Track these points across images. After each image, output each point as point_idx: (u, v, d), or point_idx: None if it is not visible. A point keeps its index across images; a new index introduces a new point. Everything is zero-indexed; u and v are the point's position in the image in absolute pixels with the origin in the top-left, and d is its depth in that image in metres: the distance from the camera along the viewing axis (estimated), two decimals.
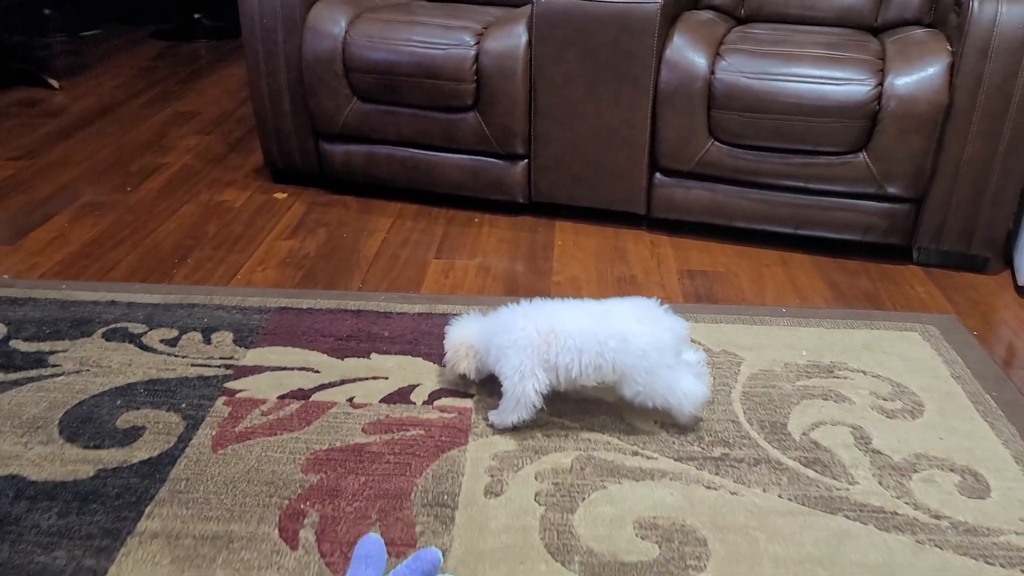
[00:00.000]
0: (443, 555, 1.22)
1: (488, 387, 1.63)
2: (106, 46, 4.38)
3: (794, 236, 2.26)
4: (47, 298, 1.93)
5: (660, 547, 1.28)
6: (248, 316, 1.87)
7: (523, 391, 1.47)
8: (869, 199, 2.14)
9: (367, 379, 1.67)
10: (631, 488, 1.40)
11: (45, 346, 1.74)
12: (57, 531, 1.27)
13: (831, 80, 2.04)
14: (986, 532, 1.32)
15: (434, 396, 1.62)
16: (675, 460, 1.47)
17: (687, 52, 2.14)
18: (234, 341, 1.78)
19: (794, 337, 1.85)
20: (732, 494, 1.39)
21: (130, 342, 1.77)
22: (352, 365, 1.72)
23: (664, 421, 1.56)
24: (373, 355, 1.75)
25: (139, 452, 1.45)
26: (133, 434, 1.49)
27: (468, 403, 1.61)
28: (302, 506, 1.34)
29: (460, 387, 1.65)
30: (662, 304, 1.54)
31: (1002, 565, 1.26)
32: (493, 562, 1.24)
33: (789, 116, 2.07)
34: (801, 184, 2.16)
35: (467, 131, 2.36)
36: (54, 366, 1.68)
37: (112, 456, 1.43)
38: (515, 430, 1.53)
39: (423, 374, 1.68)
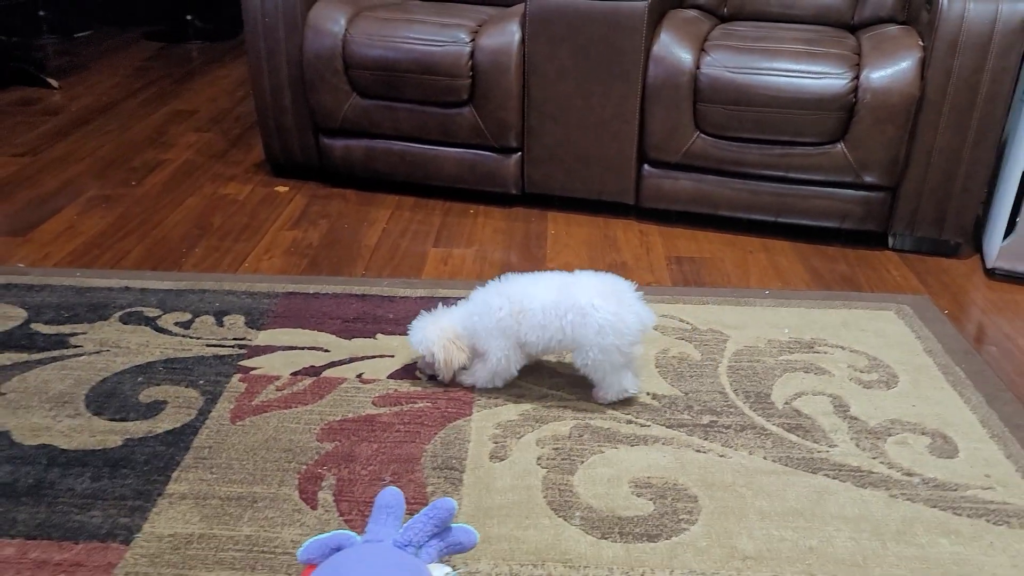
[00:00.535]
0: None
1: None
2: (100, 47, 4.43)
3: (776, 224, 2.38)
4: (63, 285, 2.01)
5: (654, 503, 1.38)
6: (258, 300, 1.96)
7: (506, 368, 1.60)
8: (846, 187, 2.26)
9: (374, 357, 1.76)
10: (626, 452, 1.50)
11: (65, 329, 1.82)
12: (91, 493, 1.35)
13: (809, 74, 2.15)
14: (954, 487, 1.43)
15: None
16: (667, 427, 1.57)
17: (673, 48, 2.25)
18: (246, 323, 1.86)
19: (777, 317, 1.96)
20: (720, 456, 1.50)
21: (146, 325, 1.85)
22: (359, 345, 1.81)
23: (655, 393, 1.66)
24: (379, 335, 1.84)
25: (163, 423, 1.53)
26: (156, 407, 1.57)
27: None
28: (319, 470, 1.43)
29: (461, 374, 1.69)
30: (637, 289, 1.60)
31: (968, 516, 1.37)
32: (500, 517, 1.34)
33: (770, 108, 2.18)
34: (782, 173, 2.28)
35: (463, 125, 2.45)
36: (75, 347, 1.75)
37: (138, 427, 1.52)
38: (515, 403, 1.62)
39: None
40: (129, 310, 1.90)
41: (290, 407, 1.59)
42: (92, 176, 2.72)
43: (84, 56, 4.23)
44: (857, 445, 1.53)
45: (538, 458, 1.48)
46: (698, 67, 2.23)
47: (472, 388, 1.65)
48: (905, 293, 2.10)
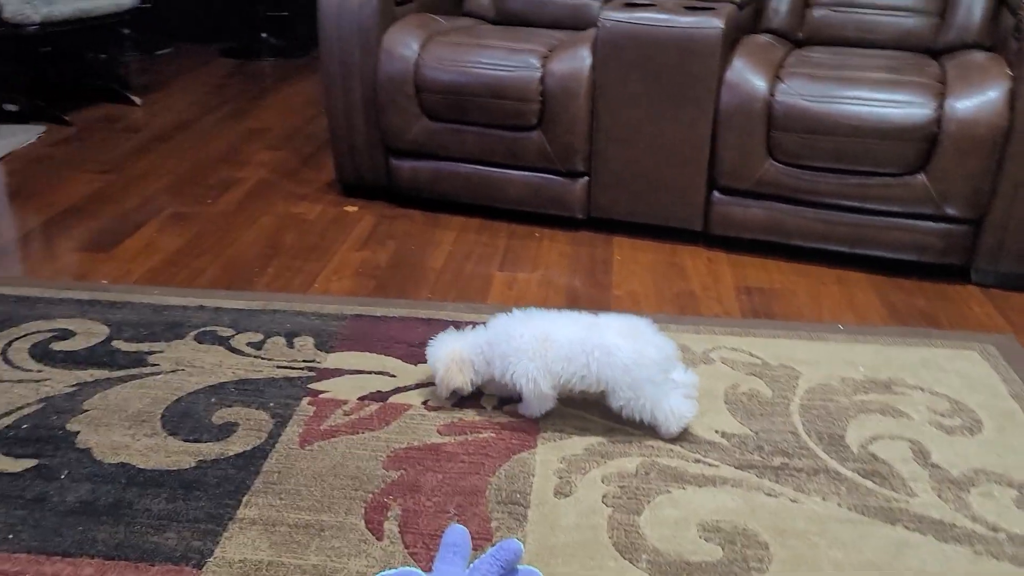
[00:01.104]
0: None
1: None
2: (179, 64, 4.59)
3: (851, 255, 2.31)
4: (142, 302, 2.07)
5: (723, 549, 1.35)
6: (326, 322, 1.99)
7: (540, 391, 1.59)
8: (926, 219, 2.18)
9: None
10: (694, 493, 1.47)
11: (144, 346, 1.87)
12: (167, 515, 1.38)
13: (890, 103, 2.09)
14: None
15: (504, 401, 1.71)
16: (736, 468, 1.53)
17: (747, 75, 2.21)
18: (315, 345, 1.89)
19: (851, 353, 1.90)
20: (792, 501, 1.45)
21: (219, 344, 1.89)
22: (425, 370, 1.81)
23: (724, 431, 1.63)
24: None
25: (234, 446, 1.56)
26: (227, 429, 1.60)
27: None
28: (385, 500, 1.44)
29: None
30: (654, 323, 1.62)
31: None
32: (565, 557, 1.33)
33: (848, 138, 2.13)
34: (858, 204, 2.21)
35: (530, 149, 2.46)
36: (153, 365, 1.81)
37: (210, 449, 1.55)
38: (581, 436, 1.61)
39: None
40: (204, 329, 1.95)
41: (357, 432, 1.61)
42: (171, 194, 2.81)
43: (164, 73, 4.39)
44: (939, 496, 1.47)
45: (603, 496, 1.46)
46: (772, 94, 2.19)
47: (523, 415, 1.67)
48: (989, 332, 2.01)
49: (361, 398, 1.71)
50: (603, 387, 1.58)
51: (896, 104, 2.09)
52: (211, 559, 1.30)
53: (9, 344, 1.88)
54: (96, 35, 3.78)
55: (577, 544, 1.35)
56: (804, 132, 2.16)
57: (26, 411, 1.65)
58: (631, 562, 1.32)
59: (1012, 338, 1.97)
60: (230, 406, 1.68)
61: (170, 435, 1.59)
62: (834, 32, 2.57)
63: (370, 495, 1.45)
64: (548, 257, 2.40)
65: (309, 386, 1.75)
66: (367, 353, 1.87)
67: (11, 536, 1.34)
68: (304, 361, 1.83)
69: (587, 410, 1.67)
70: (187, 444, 1.56)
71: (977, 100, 2.03)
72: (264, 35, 4.84)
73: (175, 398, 1.70)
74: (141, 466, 1.50)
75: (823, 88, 2.16)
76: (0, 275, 2.24)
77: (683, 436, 1.61)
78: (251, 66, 4.56)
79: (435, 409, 1.68)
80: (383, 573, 1.08)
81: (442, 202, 2.67)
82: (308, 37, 4.93)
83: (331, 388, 1.75)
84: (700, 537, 1.37)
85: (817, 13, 2.59)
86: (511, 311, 1.67)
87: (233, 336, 1.93)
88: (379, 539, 1.35)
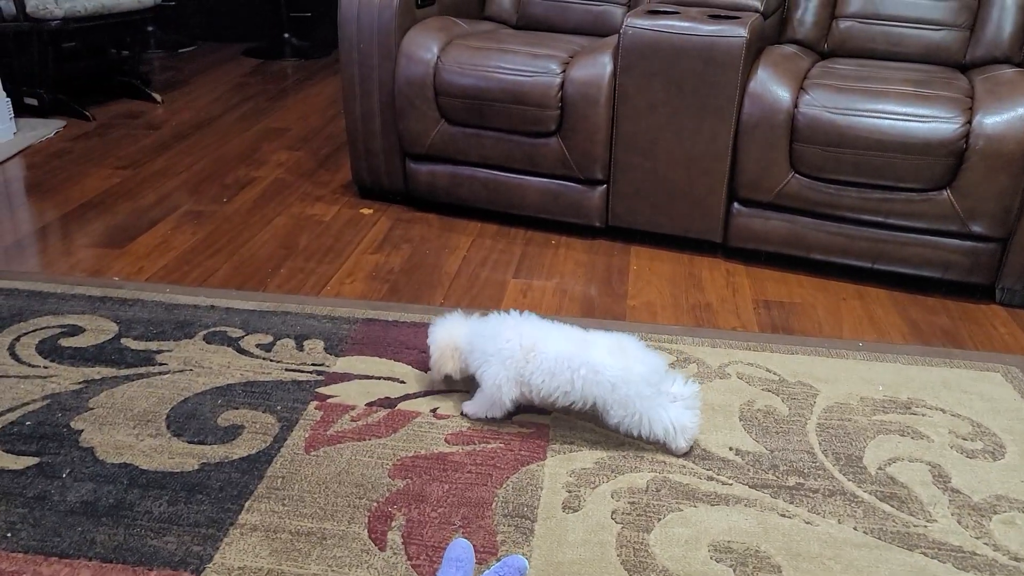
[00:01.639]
0: None
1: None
2: (201, 62, 4.61)
3: (872, 270, 2.26)
4: (153, 300, 2.06)
5: (735, 571, 1.31)
6: (337, 326, 1.97)
7: (498, 398, 1.59)
8: (951, 236, 2.13)
9: (449, 392, 1.74)
10: (706, 512, 1.43)
11: (152, 345, 1.86)
12: (168, 518, 1.37)
13: (917, 117, 2.05)
14: None
15: (513, 412, 1.68)
16: (750, 487, 1.49)
17: (771, 85, 2.18)
18: (325, 349, 1.87)
19: (871, 372, 1.86)
20: (806, 523, 1.41)
21: (228, 345, 1.87)
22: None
23: (738, 448, 1.59)
24: None
25: (238, 449, 1.54)
26: (233, 432, 1.59)
27: (546, 420, 1.66)
28: (390, 509, 1.41)
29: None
30: (641, 339, 1.60)
31: None
32: (572, 574, 1.29)
33: (872, 152, 2.08)
34: (881, 219, 2.17)
35: (549, 155, 2.43)
36: (161, 364, 1.79)
37: (215, 452, 1.53)
38: (591, 450, 1.58)
39: None
40: (213, 329, 1.94)
41: (364, 439, 1.58)
42: (187, 191, 2.80)
43: (187, 71, 4.40)
44: (959, 522, 1.42)
45: (613, 512, 1.42)
46: (796, 106, 2.15)
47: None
48: (1013, 353, 1.96)
49: (369, 404, 1.69)
50: (591, 405, 1.57)
51: (923, 118, 2.04)
52: (210, 565, 1.28)
53: (17, 339, 1.87)
54: (119, 31, 3.79)
55: (584, 561, 1.32)
56: (827, 145, 2.12)
57: (31, 407, 1.64)
58: None
59: None
60: (237, 408, 1.66)
61: (175, 436, 1.57)
62: (860, 44, 2.53)
63: (374, 504, 1.42)
64: (564, 265, 2.36)
65: (317, 390, 1.73)
66: (377, 358, 1.85)
67: (10, 535, 1.32)
68: (313, 364, 1.81)
69: (598, 423, 1.64)
70: (191, 446, 1.54)
71: (1007, 116, 1.98)
72: (287, 35, 4.85)
73: (182, 399, 1.68)
74: (144, 467, 1.48)
75: (848, 100, 2.11)
76: (13, 269, 2.24)
77: (695, 453, 1.58)
78: (273, 66, 4.57)
79: (444, 417, 1.66)
80: None
81: (458, 207, 2.65)
82: (330, 38, 4.94)
83: (339, 393, 1.72)
84: (711, 558, 1.33)
85: (843, 24, 2.55)
86: (511, 312, 1.66)
87: (243, 337, 1.91)
88: (382, 549, 1.33)
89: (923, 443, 1.62)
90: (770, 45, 2.42)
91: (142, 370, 1.77)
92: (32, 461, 1.49)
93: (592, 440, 1.60)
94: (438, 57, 2.44)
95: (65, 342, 1.86)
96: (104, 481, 1.45)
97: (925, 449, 1.61)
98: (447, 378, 1.71)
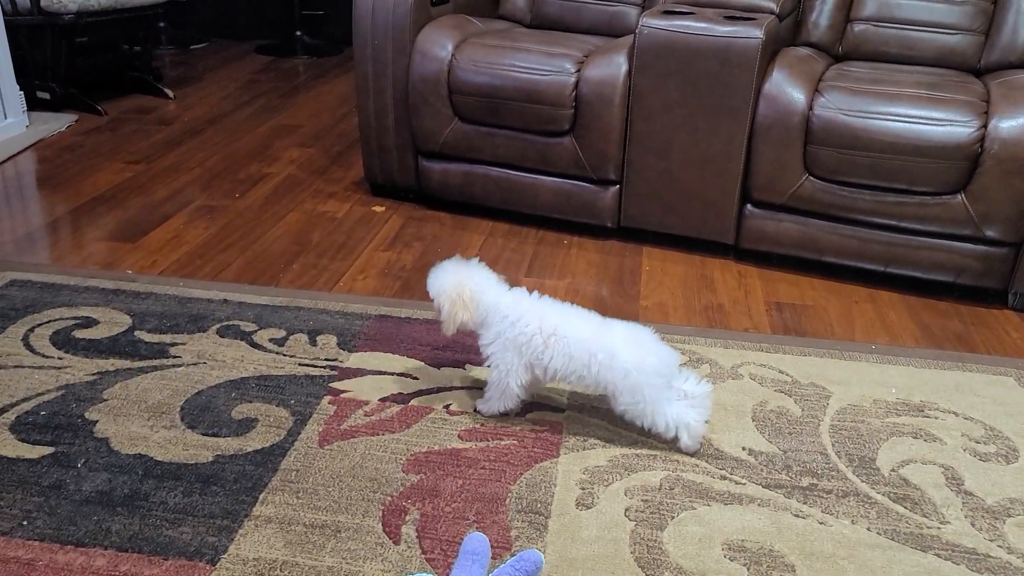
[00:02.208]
0: None
1: (579, 401, 1.69)
2: (213, 59, 4.62)
3: (884, 274, 2.26)
4: (166, 293, 2.07)
5: (748, 569, 1.31)
6: (350, 321, 1.97)
7: (507, 385, 1.58)
8: (964, 241, 2.13)
9: (462, 388, 1.74)
10: (719, 511, 1.43)
11: (166, 338, 1.87)
12: (183, 508, 1.37)
13: (932, 121, 2.05)
14: None
15: (526, 409, 1.68)
16: (763, 487, 1.49)
17: (786, 87, 2.18)
18: (338, 344, 1.87)
19: (883, 374, 1.85)
20: (820, 524, 1.41)
21: (242, 339, 1.88)
22: (447, 375, 1.79)
23: (751, 448, 1.59)
24: (468, 366, 1.82)
25: (252, 442, 1.54)
26: (247, 425, 1.59)
27: (559, 417, 1.66)
28: (404, 503, 1.41)
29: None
30: (655, 332, 1.59)
31: None
32: (585, 570, 1.29)
33: (886, 155, 2.08)
34: (894, 222, 2.16)
35: (562, 155, 2.43)
36: (175, 357, 1.80)
37: (228, 444, 1.53)
38: (604, 448, 1.58)
39: None
40: (227, 323, 1.94)
41: (377, 434, 1.59)
42: (199, 187, 2.81)
43: (198, 68, 4.41)
44: (972, 524, 1.42)
45: (626, 509, 1.42)
46: (811, 108, 2.15)
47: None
48: None
49: (382, 399, 1.69)
50: (602, 390, 1.56)
51: (937, 122, 2.04)
52: (225, 556, 1.28)
53: (31, 330, 1.88)
54: (131, 27, 3.80)
55: (598, 557, 1.32)
56: (842, 147, 2.12)
57: (45, 398, 1.64)
58: None
59: None
60: (250, 402, 1.66)
61: (189, 428, 1.57)
62: (874, 47, 2.53)
63: (388, 498, 1.42)
64: (576, 265, 2.37)
65: (330, 385, 1.73)
66: (390, 354, 1.85)
67: (26, 523, 1.33)
68: (326, 360, 1.82)
69: (611, 421, 1.64)
70: (206, 438, 1.55)
71: (1023, 121, 1.97)
72: (298, 33, 4.86)
73: (195, 391, 1.68)
74: (158, 458, 1.49)
75: (863, 103, 2.11)
76: (27, 261, 2.25)
77: (709, 452, 1.58)
78: (284, 63, 4.58)
79: (456, 414, 1.66)
80: None
81: (470, 205, 2.65)
82: (341, 36, 4.95)
83: (352, 388, 1.72)
84: (725, 556, 1.33)
85: (857, 28, 2.54)
86: (524, 292, 1.62)
87: (256, 331, 1.92)
88: (396, 543, 1.33)
89: (936, 446, 1.62)
90: (785, 47, 2.42)
91: (156, 362, 1.77)
92: (47, 450, 1.50)
93: (605, 438, 1.60)
94: (453, 55, 2.45)
95: (79, 334, 1.87)
96: (119, 471, 1.45)
97: (938, 451, 1.60)
98: (459, 325, 1.61)
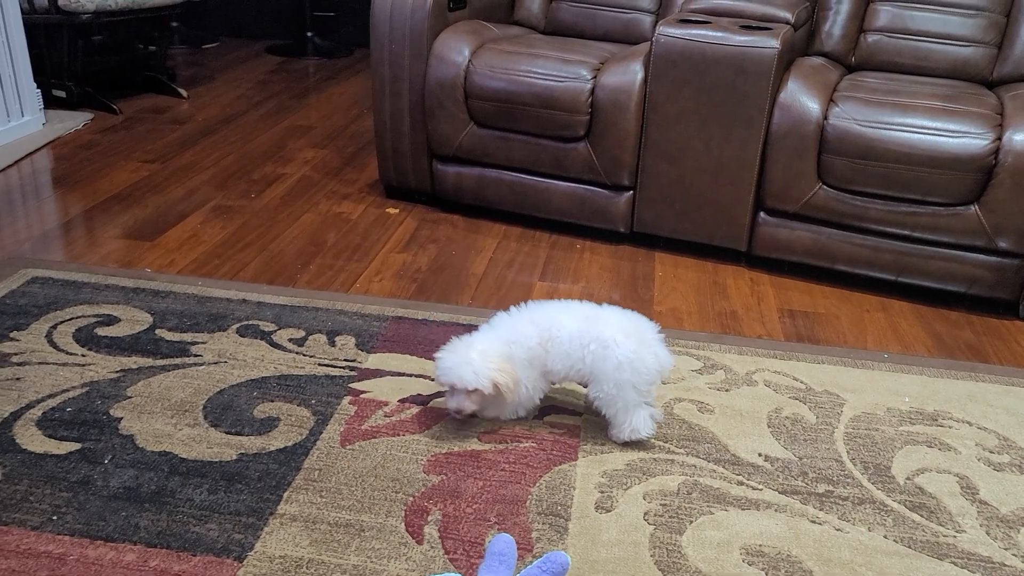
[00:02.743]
0: None
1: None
2: (225, 59, 4.64)
3: (895, 283, 2.28)
4: (186, 292, 2.08)
5: (767, 574, 1.33)
6: (368, 322, 1.99)
7: (529, 398, 1.63)
8: (977, 252, 2.15)
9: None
10: (737, 516, 1.45)
11: (187, 337, 1.88)
12: (209, 505, 1.39)
13: (946, 132, 2.07)
14: None
15: (544, 412, 1.70)
16: (780, 493, 1.51)
17: (801, 97, 2.20)
18: (356, 345, 1.89)
19: (896, 383, 1.87)
20: (837, 530, 1.43)
21: (262, 339, 1.90)
22: None
23: (767, 455, 1.61)
24: None
25: (275, 441, 1.56)
26: (269, 424, 1.61)
27: (577, 421, 1.68)
28: (426, 504, 1.43)
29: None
30: (660, 331, 1.60)
31: None
32: (607, 573, 1.31)
33: (900, 165, 2.10)
34: (907, 232, 2.18)
35: (577, 160, 2.45)
36: (196, 356, 1.82)
37: (252, 443, 1.55)
38: (622, 452, 1.60)
39: None
40: (246, 323, 1.96)
41: (398, 435, 1.60)
42: (215, 186, 2.83)
43: (211, 67, 4.43)
44: (987, 533, 1.44)
45: (645, 513, 1.44)
46: (826, 118, 2.17)
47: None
48: None
49: (402, 400, 1.71)
50: (592, 377, 1.57)
51: (952, 133, 2.06)
52: (252, 553, 1.30)
53: (54, 327, 1.90)
54: (146, 26, 3.83)
55: (618, 560, 1.34)
56: (856, 157, 2.14)
57: (71, 394, 1.66)
58: None
59: None
60: (272, 401, 1.68)
61: (212, 426, 1.59)
62: (887, 58, 2.55)
63: (411, 498, 1.44)
64: (589, 270, 2.38)
65: (350, 385, 1.75)
66: (408, 356, 1.87)
67: (55, 517, 1.35)
68: (345, 360, 1.83)
69: None
70: (229, 436, 1.56)
71: None
72: (310, 34, 4.88)
73: (217, 390, 1.70)
74: (183, 456, 1.50)
75: (878, 113, 2.13)
76: (45, 259, 2.27)
77: (725, 458, 1.59)
78: (295, 64, 4.60)
79: (476, 416, 1.67)
80: None
81: (483, 209, 2.67)
82: (352, 38, 4.97)
83: (372, 388, 1.74)
84: (743, 561, 1.35)
85: (871, 38, 2.57)
86: (518, 306, 1.64)
87: (275, 331, 1.93)
88: (419, 543, 1.34)
89: (950, 455, 1.64)
90: (800, 57, 2.44)
91: (177, 361, 1.79)
92: (74, 447, 1.51)
93: (623, 443, 1.62)
94: (469, 60, 2.47)
95: (101, 331, 1.88)
96: (145, 468, 1.47)
97: (952, 461, 1.62)
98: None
